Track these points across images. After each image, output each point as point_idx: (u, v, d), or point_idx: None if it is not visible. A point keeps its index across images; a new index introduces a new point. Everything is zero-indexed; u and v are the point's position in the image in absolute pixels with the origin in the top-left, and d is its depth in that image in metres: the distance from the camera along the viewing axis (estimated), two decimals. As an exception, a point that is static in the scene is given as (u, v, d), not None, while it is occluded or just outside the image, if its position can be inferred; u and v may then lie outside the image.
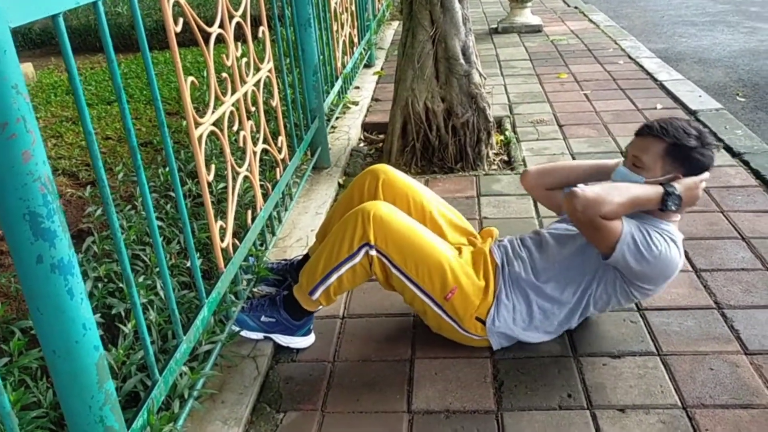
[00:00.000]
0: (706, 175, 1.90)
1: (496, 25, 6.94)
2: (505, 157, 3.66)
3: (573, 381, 1.91)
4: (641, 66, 5.21)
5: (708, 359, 1.96)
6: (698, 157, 1.86)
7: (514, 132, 3.97)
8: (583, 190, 1.82)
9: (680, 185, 1.86)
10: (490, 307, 1.98)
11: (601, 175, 2.09)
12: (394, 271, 1.93)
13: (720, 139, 3.57)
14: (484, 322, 1.98)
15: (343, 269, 1.95)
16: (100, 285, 2.04)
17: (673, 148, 1.86)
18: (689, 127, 1.88)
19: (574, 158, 3.52)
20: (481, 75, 3.49)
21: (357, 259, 1.94)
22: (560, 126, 4.03)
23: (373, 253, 1.92)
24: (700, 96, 4.35)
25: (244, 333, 2.09)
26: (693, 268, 2.42)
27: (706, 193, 2.97)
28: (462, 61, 3.39)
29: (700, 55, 5.89)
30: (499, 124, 4.08)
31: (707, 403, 1.80)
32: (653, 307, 2.21)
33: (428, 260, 1.93)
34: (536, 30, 6.75)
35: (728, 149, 3.46)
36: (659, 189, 1.85)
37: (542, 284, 1.99)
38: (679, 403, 1.80)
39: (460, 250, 2.08)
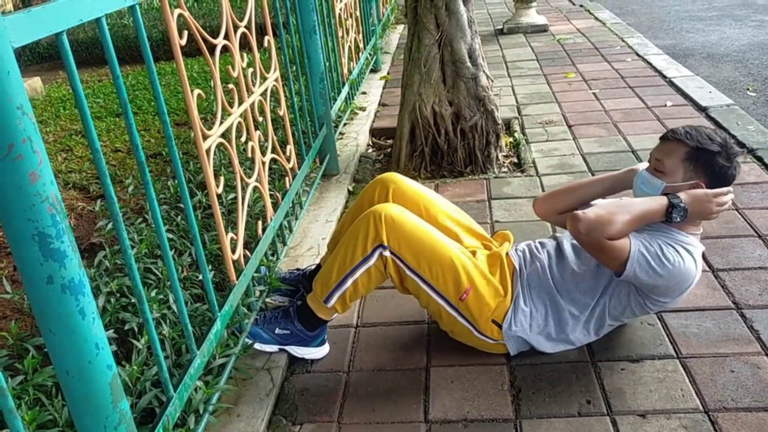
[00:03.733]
0: (725, 189, 1.86)
1: (501, 26, 6.92)
2: (515, 159, 3.64)
3: (592, 387, 1.88)
4: (649, 63, 5.17)
5: (728, 361, 1.93)
6: (721, 165, 1.83)
7: (523, 133, 3.95)
8: (584, 212, 1.80)
9: (687, 196, 1.82)
10: (507, 310, 1.96)
11: (618, 186, 2.06)
12: (408, 272, 1.92)
13: (744, 147, 3.53)
14: (500, 326, 1.96)
15: (358, 273, 1.93)
16: (112, 300, 2.04)
17: (695, 153, 1.83)
18: (715, 134, 1.86)
19: (584, 159, 3.49)
20: (488, 77, 3.47)
21: (371, 262, 1.92)
22: (569, 126, 4.01)
23: (387, 254, 1.90)
24: (710, 92, 4.31)
25: (259, 346, 2.08)
26: (710, 267, 2.39)
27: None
28: (469, 63, 3.37)
29: (709, 51, 5.85)
30: (508, 126, 4.06)
31: (729, 407, 1.77)
32: (671, 309, 2.17)
33: (441, 260, 1.91)
34: (542, 30, 6.72)
35: (740, 145, 3.42)
36: (664, 201, 1.82)
37: (559, 293, 1.96)
38: (701, 407, 1.77)
39: (474, 253, 2.06)
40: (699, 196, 1.83)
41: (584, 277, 1.94)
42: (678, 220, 1.81)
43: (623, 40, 6.00)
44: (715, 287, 2.28)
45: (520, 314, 1.96)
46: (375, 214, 1.92)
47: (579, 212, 1.81)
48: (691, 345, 2.01)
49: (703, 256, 2.42)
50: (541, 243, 2.11)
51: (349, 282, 1.95)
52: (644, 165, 1.99)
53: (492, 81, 3.53)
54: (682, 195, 1.82)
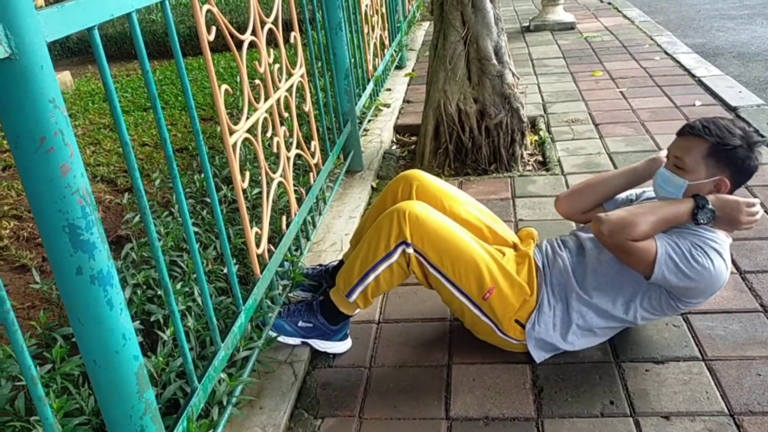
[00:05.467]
0: (754, 200, 1.81)
1: (528, 24, 6.87)
2: (540, 158, 3.61)
3: (615, 387, 1.87)
4: (678, 62, 5.10)
5: (755, 364, 1.90)
6: (744, 157, 1.79)
7: (549, 132, 3.92)
8: (607, 215, 1.78)
9: (717, 200, 1.78)
10: (531, 311, 1.94)
11: (640, 178, 2.03)
12: (431, 270, 1.91)
13: (763, 136, 3.47)
14: (523, 326, 1.95)
15: (381, 269, 1.94)
16: (138, 292, 2.07)
17: (717, 148, 1.78)
18: (733, 126, 1.81)
19: (611, 158, 3.46)
20: (514, 75, 3.45)
21: (394, 258, 1.92)
22: (596, 125, 3.97)
23: (410, 251, 1.90)
24: (740, 92, 4.24)
25: (282, 338, 2.09)
26: (738, 269, 2.36)
27: (750, 192, 2.89)
28: (494, 61, 3.35)
29: (739, 50, 5.75)
30: (533, 124, 4.04)
31: (755, 410, 1.74)
32: (697, 311, 2.15)
33: (464, 259, 1.90)
34: (569, 27, 6.66)
35: (760, 135, 3.35)
36: (690, 203, 1.79)
37: (582, 291, 1.94)
38: (726, 410, 1.75)
39: (502, 252, 2.05)
40: (729, 203, 1.78)
41: (610, 275, 1.91)
42: (704, 222, 1.78)
43: (652, 39, 5.93)
44: (742, 289, 2.25)
45: (543, 315, 1.94)
46: (399, 210, 1.93)
47: (602, 215, 1.79)
48: (716, 347, 1.98)
49: (732, 258, 2.39)
50: (562, 240, 2.09)
51: (371, 277, 1.95)
52: (664, 153, 1.96)
53: (518, 78, 3.50)
54: (711, 198, 1.79)
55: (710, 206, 1.77)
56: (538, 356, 1.97)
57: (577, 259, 1.99)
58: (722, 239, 1.82)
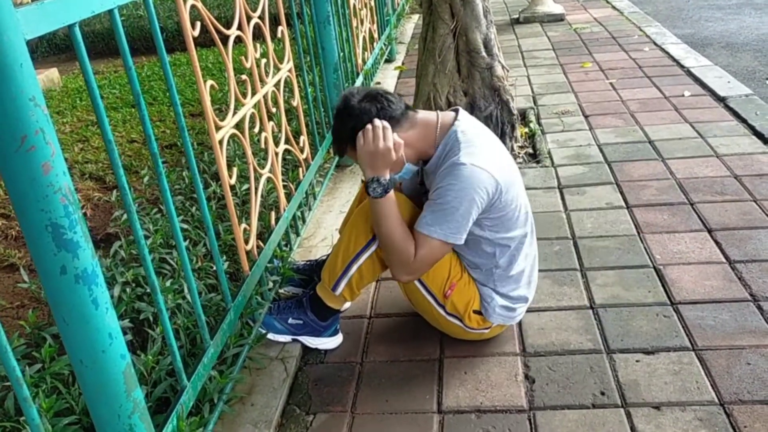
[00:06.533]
0: (367, 126, 1.79)
1: (517, 15, 6.86)
2: (531, 150, 3.61)
3: (606, 378, 1.87)
4: (667, 52, 5.11)
5: (745, 354, 1.91)
6: (362, 122, 1.79)
7: (539, 124, 3.92)
8: (395, 274, 1.87)
9: (361, 166, 1.82)
10: (476, 295, 1.96)
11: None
12: None
13: (751, 127, 3.48)
14: (480, 313, 1.96)
15: (362, 259, 1.93)
16: (128, 290, 2.05)
17: (346, 142, 1.84)
18: (339, 116, 1.85)
19: (601, 149, 3.45)
20: (503, 67, 3.45)
21: (374, 247, 1.92)
22: (586, 116, 3.97)
23: None
24: (728, 82, 4.25)
25: (272, 336, 2.09)
26: (727, 259, 2.36)
27: (739, 182, 2.90)
28: (484, 53, 3.34)
29: (728, 40, 5.76)
30: (523, 116, 4.03)
31: (745, 399, 1.75)
32: (687, 300, 2.16)
33: None
34: (558, 19, 6.66)
35: (759, 136, 3.37)
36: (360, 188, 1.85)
37: (470, 266, 1.96)
38: (716, 400, 1.76)
39: None
40: (357, 153, 1.80)
41: (462, 248, 1.92)
42: (380, 190, 1.78)
43: (641, 30, 5.93)
44: (731, 279, 2.25)
45: (483, 291, 1.96)
46: None
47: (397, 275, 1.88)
48: (706, 337, 1.99)
49: (720, 248, 2.41)
50: None
51: (354, 268, 1.95)
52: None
53: (507, 71, 3.50)
54: (364, 171, 1.82)
55: (363, 178, 1.80)
56: (509, 320, 1.99)
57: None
58: (451, 142, 1.81)
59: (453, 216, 1.74)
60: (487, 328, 1.99)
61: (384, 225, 1.80)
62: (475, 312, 1.96)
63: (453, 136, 1.82)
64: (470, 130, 1.84)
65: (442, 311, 1.96)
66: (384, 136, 1.77)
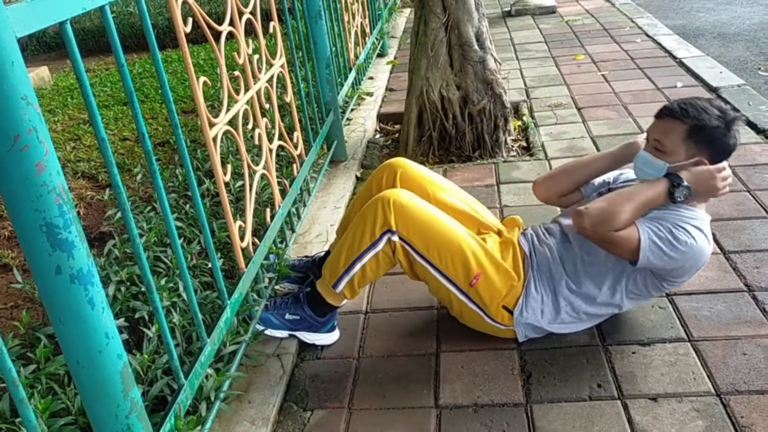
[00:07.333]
0: (723, 164, 1.83)
1: (509, 8, 6.85)
2: (524, 143, 3.61)
3: (602, 371, 1.88)
4: (659, 44, 5.11)
5: (741, 344, 1.92)
6: (722, 137, 1.79)
7: (532, 117, 3.92)
8: (587, 208, 1.79)
9: (690, 174, 1.79)
10: (518, 297, 1.94)
11: (617, 162, 2.04)
12: (417, 258, 1.91)
13: (738, 111, 3.48)
14: (511, 312, 1.95)
15: (366, 258, 1.93)
16: (123, 289, 2.04)
17: (695, 130, 1.79)
18: (711, 106, 1.81)
19: (594, 141, 3.46)
20: (496, 60, 3.44)
21: (380, 247, 1.91)
22: (579, 109, 3.97)
23: (396, 239, 1.89)
24: (720, 72, 4.26)
25: (269, 331, 2.08)
26: (721, 250, 2.37)
27: (732, 172, 2.90)
28: (476, 47, 3.34)
29: (719, 30, 5.77)
30: (516, 109, 4.03)
31: (742, 389, 1.76)
32: (682, 291, 2.16)
33: (450, 245, 1.90)
34: (550, 11, 6.65)
35: (752, 126, 3.38)
36: (665, 183, 1.80)
37: (571, 279, 1.94)
38: (713, 390, 1.76)
39: (484, 239, 2.05)
40: (702, 174, 1.80)
41: (595, 260, 1.92)
42: (681, 200, 1.79)
43: (632, 21, 5.93)
44: (726, 269, 2.26)
45: (531, 301, 1.94)
46: (383, 199, 1.91)
47: (582, 208, 1.80)
48: (702, 328, 2.00)
49: (715, 238, 2.41)
50: (547, 228, 2.10)
51: (357, 267, 1.94)
52: (643, 137, 1.96)
53: (500, 64, 3.50)
54: (684, 173, 1.80)
55: (685, 183, 1.78)
56: (523, 336, 1.99)
57: (563, 246, 1.99)
58: (702, 216, 1.84)
59: (667, 249, 1.76)
60: (505, 326, 1.98)
61: (638, 201, 1.79)
62: (504, 307, 1.95)
63: (705, 215, 1.88)
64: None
65: (464, 299, 1.94)
66: (723, 186, 1.82)
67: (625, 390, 1.80)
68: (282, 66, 2.62)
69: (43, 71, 5.96)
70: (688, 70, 4.40)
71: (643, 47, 5.09)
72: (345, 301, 2.05)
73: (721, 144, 1.80)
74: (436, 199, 2.11)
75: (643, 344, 1.96)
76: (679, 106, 1.81)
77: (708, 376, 1.81)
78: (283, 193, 2.53)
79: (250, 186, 2.17)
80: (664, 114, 1.85)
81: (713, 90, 3.96)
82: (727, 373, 1.81)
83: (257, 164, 2.27)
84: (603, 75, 4.54)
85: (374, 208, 1.91)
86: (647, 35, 5.40)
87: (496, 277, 1.92)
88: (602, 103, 4.01)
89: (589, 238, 1.83)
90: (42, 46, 7.77)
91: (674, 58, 4.72)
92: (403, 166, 2.19)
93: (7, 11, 0.99)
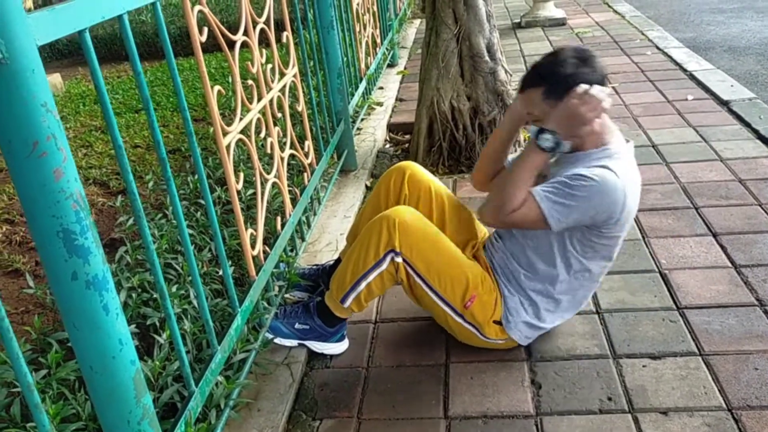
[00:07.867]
0: (579, 88, 1.70)
1: (519, 20, 6.87)
2: (534, 154, 3.61)
3: (613, 384, 1.87)
4: (669, 56, 5.11)
5: (752, 359, 1.91)
6: (583, 76, 1.73)
7: (542, 128, 3.91)
8: (481, 206, 1.86)
9: (552, 118, 1.74)
10: (501, 307, 1.96)
11: (509, 132, 2.03)
12: (417, 279, 1.92)
13: (755, 131, 3.48)
14: (500, 323, 1.96)
15: (371, 276, 1.94)
16: (134, 295, 2.05)
17: (553, 87, 1.74)
18: (562, 54, 1.78)
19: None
20: (506, 71, 3.45)
21: (384, 266, 1.92)
22: (589, 120, 3.96)
23: (399, 260, 1.90)
24: (731, 85, 4.25)
25: (278, 340, 2.09)
26: (732, 263, 2.36)
27: (743, 186, 2.90)
28: (487, 58, 3.35)
29: (730, 43, 5.77)
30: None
31: (753, 405, 1.75)
32: (693, 305, 2.15)
33: (451, 270, 1.91)
34: (560, 23, 6.66)
35: (763, 140, 3.37)
36: (533, 141, 1.77)
37: (524, 269, 1.94)
38: (724, 405, 1.75)
39: (476, 256, 2.09)
40: (560, 111, 1.73)
41: (535, 239, 1.90)
42: (550, 145, 1.74)
43: (643, 33, 5.94)
44: (737, 283, 2.25)
45: (510, 303, 1.95)
46: (389, 218, 1.91)
47: (479, 208, 1.87)
48: (713, 342, 1.99)
49: (726, 252, 2.40)
50: (496, 231, 2.10)
51: (363, 285, 1.95)
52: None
53: (510, 75, 3.50)
54: (548, 121, 1.75)
55: (547, 128, 1.74)
56: (524, 340, 1.99)
57: (511, 242, 1.99)
58: (614, 150, 1.79)
59: (570, 202, 1.72)
60: (502, 340, 1.98)
61: (519, 173, 1.78)
62: (495, 322, 1.95)
63: (620, 148, 1.81)
64: (631, 158, 1.85)
65: (460, 320, 1.95)
66: (598, 108, 1.72)
67: (636, 403, 1.79)
68: (294, 75, 2.63)
69: (56, 78, 6.00)
70: (699, 83, 4.40)
71: (654, 60, 5.09)
72: (353, 313, 2.05)
73: (583, 81, 1.73)
74: (438, 200, 2.17)
75: (654, 357, 1.95)
76: (529, 75, 1.82)
77: (719, 390, 1.80)
78: (294, 201, 2.54)
79: (262, 194, 2.18)
80: (522, 86, 1.85)
81: (724, 103, 3.95)
82: (739, 388, 1.80)
83: (269, 173, 2.28)
84: (613, 87, 4.54)
85: (379, 226, 1.92)
86: (657, 48, 5.40)
87: (486, 297, 1.94)
88: (612, 115, 3.97)
89: (500, 228, 1.88)
90: (54, 53, 7.83)
91: (684, 70, 4.71)
92: (411, 167, 2.21)
93: (29, 19, 1.00)
